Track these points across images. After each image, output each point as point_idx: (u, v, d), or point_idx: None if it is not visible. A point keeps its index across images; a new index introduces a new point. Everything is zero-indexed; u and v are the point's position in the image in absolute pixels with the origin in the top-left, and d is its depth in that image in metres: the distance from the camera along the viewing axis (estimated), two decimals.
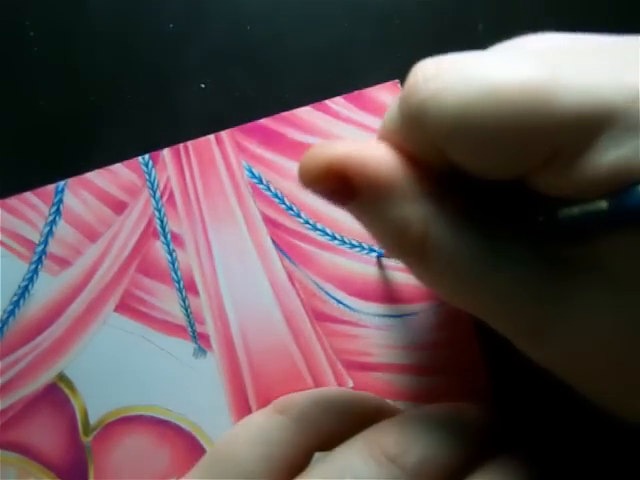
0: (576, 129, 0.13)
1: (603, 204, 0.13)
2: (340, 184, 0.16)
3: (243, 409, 0.23)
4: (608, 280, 0.14)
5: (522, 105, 0.13)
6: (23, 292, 0.24)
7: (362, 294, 0.24)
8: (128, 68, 0.25)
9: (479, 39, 0.25)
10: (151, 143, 0.25)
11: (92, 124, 0.25)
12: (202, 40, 0.25)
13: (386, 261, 0.24)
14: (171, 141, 0.25)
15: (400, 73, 0.24)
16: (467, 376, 0.23)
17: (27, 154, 0.25)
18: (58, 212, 0.24)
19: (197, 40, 0.25)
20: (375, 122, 0.24)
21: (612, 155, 0.13)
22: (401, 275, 0.24)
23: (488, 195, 0.17)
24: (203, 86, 0.25)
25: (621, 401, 0.16)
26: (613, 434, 0.22)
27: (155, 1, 0.25)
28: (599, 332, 0.15)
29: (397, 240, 0.16)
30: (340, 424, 0.20)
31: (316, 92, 0.25)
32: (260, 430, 0.18)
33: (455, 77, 0.14)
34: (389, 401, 0.23)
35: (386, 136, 0.17)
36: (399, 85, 0.24)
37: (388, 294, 0.24)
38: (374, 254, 0.24)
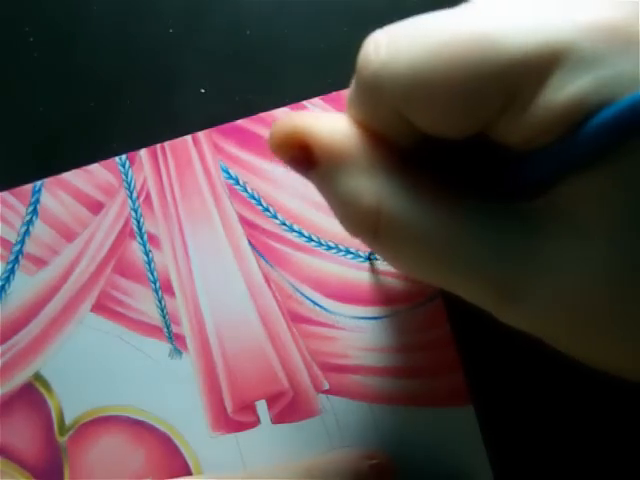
0: (526, 69, 0.13)
1: (556, 145, 0.13)
2: (301, 152, 0.16)
3: (218, 410, 0.23)
4: (574, 227, 0.14)
5: (471, 53, 0.13)
6: None
7: (338, 296, 0.24)
8: (128, 73, 0.25)
9: None
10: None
11: (92, 129, 0.25)
12: (202, 45, 0.25)
13: (376, 263, 0.24)
14: None
15: None
16: (444, 378, 0.23)
17: (28, 158, 0.25)
18: (35, 212, 0.24)
19: (197, 45, 0.25)
20: None
21: (566, 92, 0.13)
22: (379, 278, 0.24)
23: (448, 167, 0.16)
24: (203, 91, 0.25)
25: (610, 356, 0.15)
26: (606, 393, 0.22)
27: (155, 6, 0.25)
28: (573, 283, 0.14)
29: (350, 214, 0.16)
30: None
31: (316, 96, 0.24)
32: None
33: (405, 40, 0.14)
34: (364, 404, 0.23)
35: (349, 113, 0.17)
36: None
37: (364, 296, 0.24)
38: (350, 256, 0.24)
